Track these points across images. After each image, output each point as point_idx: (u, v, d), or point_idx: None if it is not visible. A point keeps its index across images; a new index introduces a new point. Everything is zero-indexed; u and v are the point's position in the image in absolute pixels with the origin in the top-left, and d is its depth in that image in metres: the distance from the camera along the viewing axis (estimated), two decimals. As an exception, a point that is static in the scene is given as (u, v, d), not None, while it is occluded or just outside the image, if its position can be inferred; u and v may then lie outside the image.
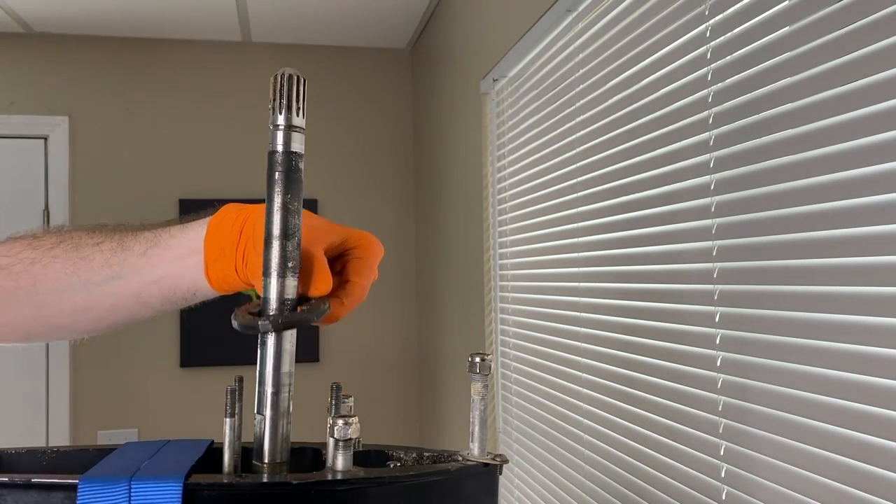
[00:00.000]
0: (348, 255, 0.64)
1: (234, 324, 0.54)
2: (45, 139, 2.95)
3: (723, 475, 0.97)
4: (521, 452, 1.78)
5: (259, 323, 0.52)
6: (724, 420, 0.97)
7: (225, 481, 0.50)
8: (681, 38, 1.06)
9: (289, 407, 0.54)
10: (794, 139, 0.83)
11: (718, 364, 0.98)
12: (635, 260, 1.22)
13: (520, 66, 1.78)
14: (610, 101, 1.29)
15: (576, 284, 1.46)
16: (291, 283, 0.53)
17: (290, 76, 0.52)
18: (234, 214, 0.64)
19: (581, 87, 1.42)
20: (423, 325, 3.08)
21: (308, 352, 3.01)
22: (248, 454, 0.55)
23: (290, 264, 0.53)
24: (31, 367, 2.83)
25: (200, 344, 2.95)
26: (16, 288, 0.68)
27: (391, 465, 0.59)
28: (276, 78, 0.53)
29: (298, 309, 0.55)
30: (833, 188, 0.78)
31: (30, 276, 0.68)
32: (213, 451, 0.57)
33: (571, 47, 1.47)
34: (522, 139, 1.76)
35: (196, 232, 0.65)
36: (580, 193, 1.42)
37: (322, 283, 0.58)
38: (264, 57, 3.14)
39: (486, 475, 0.55)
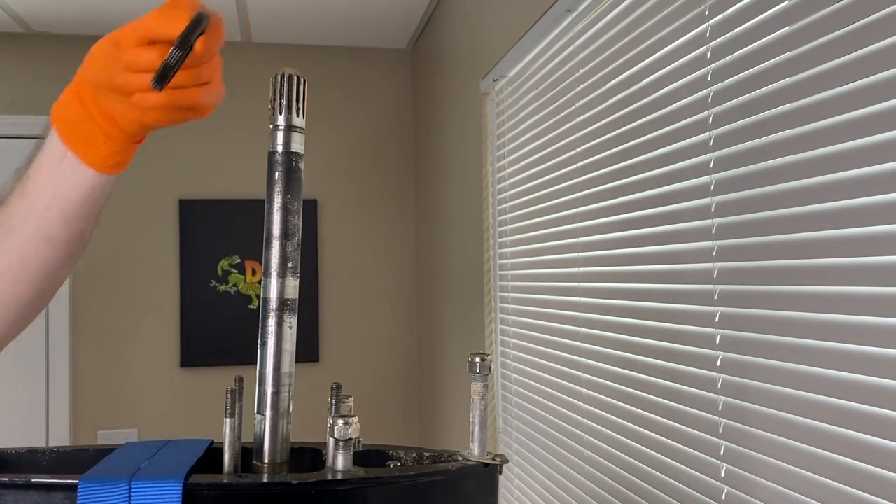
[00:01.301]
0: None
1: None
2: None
3: (723, 475, 0.97)
4: (521, 452, 1.78)
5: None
6: (724, 420, 0.97)
7: (225, 481, 0.50)
8: (681, 38, 1.06)
9: (289, 407, 0.54)
10: (793, 139, 0.83)
11: (718, 364, 0.98)
12: (635, 260, 1.22)
13: (520, 66, 1.78)
14: (610, 102, 1.29)
15: (576, 284, 1.46)
16: (291, 283, 0.53)
17: (290, 76, 0.53)
18: (64, 104, 0.64)
19: (581, 87, 1.42)
20: (423, 325, 3.08)
21: (308, 352, 3.01)
22: (248, 454, 0.56)
23: (290, 264, 0.53)
24: (31, 367, 2.83)
25: (200, 344, 2.95)
26: None
27: (391, 465, 0.59)
28: (276, 78, 0.53)
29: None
30: (833, 188, 0.78)
31: None
32: (213, 451, 0.57)
33: (571, 47, 1.47)
34: (522, 139, 1.76)
35: (49, 137, 0.64)
36: (580, 193, 1.42)
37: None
38: (264, 57, 3.14)
39: (486, 475, 0.55)
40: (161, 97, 0.58)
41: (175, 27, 0.56)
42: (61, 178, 0.64)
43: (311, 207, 3.06)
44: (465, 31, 2.33)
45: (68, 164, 0.63)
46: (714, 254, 0.99)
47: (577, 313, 1.45)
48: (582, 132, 1.41)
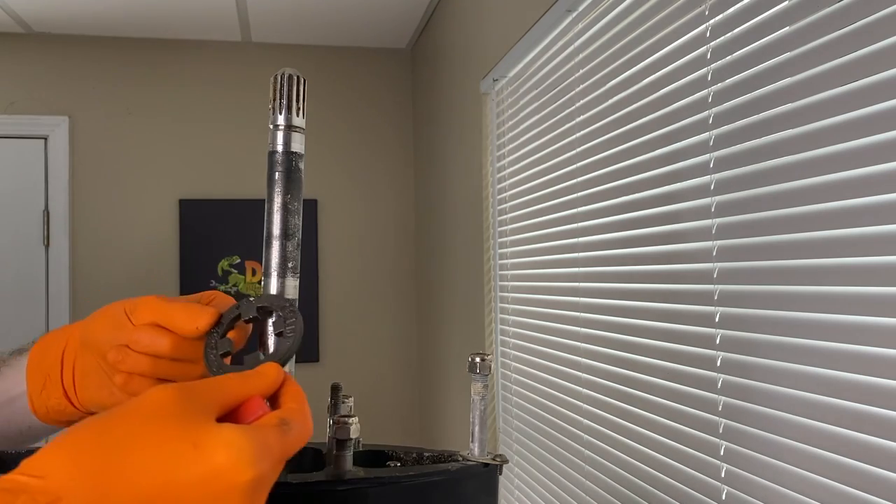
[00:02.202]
0: None
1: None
2: (45, 139, 2.94)
3: (723, 475, 0.97)
4: (521, 452, 1.78)
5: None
6: (724, 420, 0.97)
7: (225, 481, 0.50)
8: (681, 38, 1.06)
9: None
10: (794, 139, 0.83)
11: (718, 364, 0.98)
12: (635, 260, 1.22)
13: (520, 66, 1.78)
14: (610, 102, 1.29)
15: (576, 284, 1.46)
16: (291, 283, 0.53)
17: (290, 76, 0.52)
18: (52, 340, 0.58)
19: (581, 87, 1.42)
20: (423, 325, 3.08)
21: (308, 352, 3.01)
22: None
23: (290, 264, 0.53)
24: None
25: (200, 344, 2.95)
26: None
27: (391, 465, 0.59)
28: (275, 78, 0.53)
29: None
30: (833, 188, 0.78)
31: None
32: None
33: (571, 47, 1.47)
34: (522, 139, 1.75)
35: (19, 367, 0.59)
36: (580, 193, 1.42)
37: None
38: (264, 57, 3.14)
39: (486, 475, 0.55)
40: (150, 386, 0.53)
41: (199, 324, 0.51)
42: (14, 409, 0.59)
43: (311, 207, 3.06)
44: (465, 31, 2.33)
45: (23, 401, 0.59)
46: (714, 254, 0.98)
47: (578, 313, 1.45)
48: (582, 132, 1.41)
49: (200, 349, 0.51)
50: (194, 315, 0.51)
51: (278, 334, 0.49)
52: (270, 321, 0.51)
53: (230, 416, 0.42)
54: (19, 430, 0.60)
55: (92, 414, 0.57)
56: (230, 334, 0.51)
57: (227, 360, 0.50)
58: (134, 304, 0.55)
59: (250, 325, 0.52)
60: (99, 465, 0.36)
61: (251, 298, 0.51)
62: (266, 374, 0.45)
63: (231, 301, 0.55)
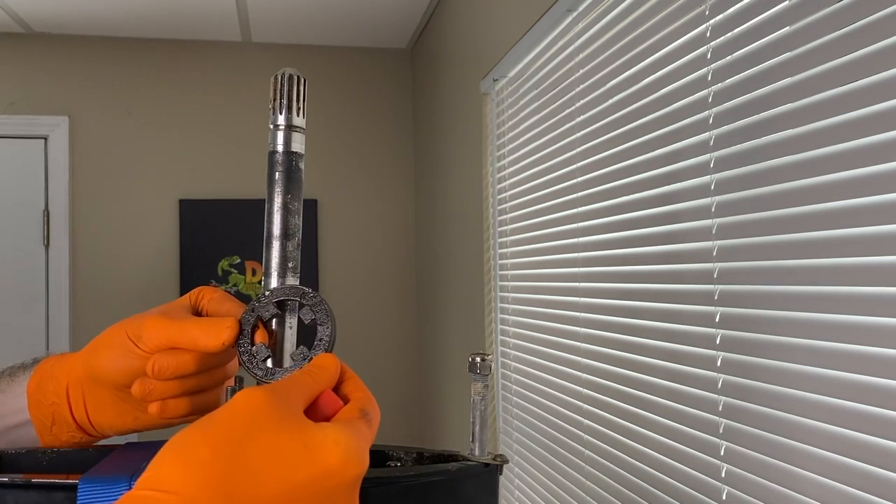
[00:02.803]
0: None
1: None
2: (45, 139, 2.95)
3: (723, 475, 0.97)
4: (521, 452, 1.78)
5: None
6: (724, 420, 0.97)
7: (225, 481, 0.50)
8: (681, 38, 1.06)
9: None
10: (794, 139, 0.83)
11: (719, 364, 0.98)
12: (635, 260, 1.22)
13: (520, 66, 1.78)
14: (610, 102, 1.29)
15: (576, 284, 1.46)
16: (291, 284, 0.53)
17: (290, 76, 0.52)
18: (49, 375, 0.56)
19: (581, 87, 1.42)
20: (423, 324, 3.08)
21: (308, 352, 3.01)
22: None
23: (290, 264, 0.53)
24: (31, 367, 2.83)
25: (200, 344, 2.95)
26: None
27: (391, 465, 0.59)
28: (276, 78, 0.53)
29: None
30: (833, 188, 0.78)
31: None
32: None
33: (571, 47, 1.47)
34: (522, 139, 1.75)
35: (16, 395, 0.57)
36: (580, 193, 1.42)
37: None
38: (264, 57, 3.14)
39: (487, 475, 0.55)
40: (187, 405, 0.53)
41: (223, 339, 0.50)
42: (18, 437, 0.58)
43: (311, 207, 3.06)
44: (465, 31, 2.33)
45: (27, 429, 0.57)
46: (714, 254, 0.98)
47: (578, 313, 1.45)
48: (582, 132, 1.41)
49: (221, 356, 0.51)
50: (214, 331, 0.50)
51: (311, 322, 0.49)
52: (295, 314, 0.51)
53: (310, 412, 0.42)
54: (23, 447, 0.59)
55: (108, 436, 0.58)
56: (259, 338, 0.51)
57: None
58: (138, 329, 0.53)
59: (273, 322, 0.52)
60: (222, 474, 0.36)
61: (264, 294, 0.51)
62: (328, 367, 0.46)
63: (217, 291, 0.55)
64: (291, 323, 0.51)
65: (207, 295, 0.56)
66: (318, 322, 0.49)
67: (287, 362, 0.50)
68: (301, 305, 0.51)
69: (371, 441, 0.42)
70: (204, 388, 0.53)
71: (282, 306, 0.51)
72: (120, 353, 0.53)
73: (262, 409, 0.39)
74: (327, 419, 0.43)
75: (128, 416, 0.56)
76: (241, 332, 0.50)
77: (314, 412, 0.43)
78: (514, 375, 1.84)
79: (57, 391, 0.56)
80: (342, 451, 0.38)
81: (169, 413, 0.53)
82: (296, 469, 0.37)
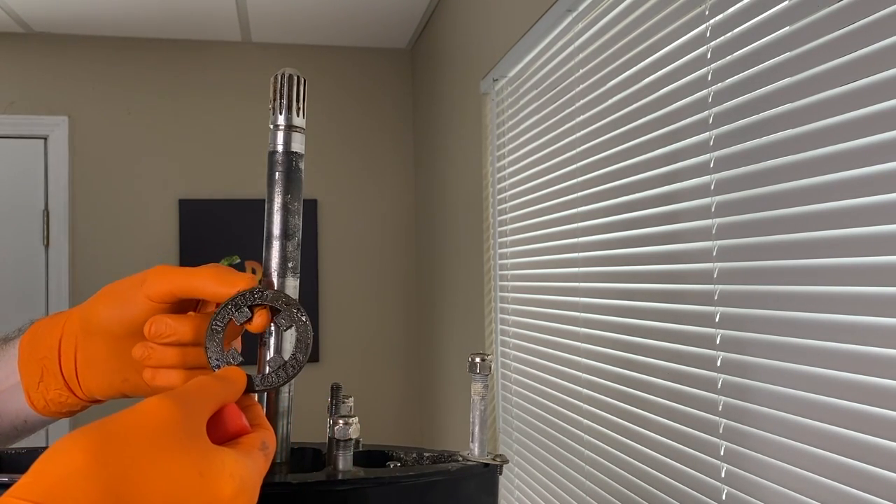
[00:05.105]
0: None
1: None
2: (45, 139, 2.95)
3: (723, 475, 0.97)
4: (521, 452, 1.78)
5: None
6: (724, 420, 0.97)
7: (225, 481, 0.50)
8: (681, 38, 1.06)
9: (289, 407, 0.54)
10: (793, 139, 0.83)
11: (719, 364, 0.98)
12: (635, 260, 1.22)
13: (520, 66, 1.78)
14: (610, 102, 1.29)
15: (576, 284, 1.46)
16: (291, 284, 0.53)
17: (290, 76, 0.52)
18: (44, 328, 0.55)
19: (581, 87, 1.42)
20: (423, 324, 3.08)
21: (308, 352, 3.01)
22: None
23: (290, 264, 0.53)
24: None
25: (200, 344, 2.95)
26: None
27: (391, 465, 0.59)
28: (276, 78, 0.53)
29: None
30: (833, 188, 0.78)
31: None
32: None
33: (571, 47, 1.47)
34: (522, 139, 1.75)
35: (7, 359, 0.56)
36: (580, 193, 1.42)
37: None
38: (264, 57, 3.14)
39: (486, 475, 0.55)
40: (179, 378, 0.51)
41: (234, 286, 0.49)
42: (5, 400, 0.57)
43: (311, 207, 3.06)
44: (465, 31, 2.33)
45: (17, 392, 0.56)
46: (714, 254, 0.98)
47: (578, 313, 1.45)
48: (582, 132, 1.41)
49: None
50: (231, 277, 0.50)
51: (286, 329, 0.51)
52: (272, 322, 0.51)
53: (212, 424, 0.42)
54: (13, 425, 0.58)
55: (96, 401, 0.57)
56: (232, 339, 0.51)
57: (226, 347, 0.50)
58: (143, 275, 0.52)
59: (266, 310, 0.51)
60: (102, 489, 0.34)
61: (243, 295, 0.51)
62: (236, 381, 0.46)
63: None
64: (277, 329, 0.51)
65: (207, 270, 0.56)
66: (296, 330, 0.50)
67: (266, 369, 0.51)
68: (276, 311, 0.51)
69: (264, 473, 0.42)
70: (203, 365, 0.53)
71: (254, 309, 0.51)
72: (120, 301, 0.52)
73: (167, 425, 0.38)
74: (227, 434, 0.43)
75: (117, 375, 0.55)
76: (213, 329, 0.50)
77: (216, 424, 0.42)
78: (514, 375, 1.84)
79: (49, 345, 0.55)
80: (236, 484, 0.38)
81: (159, 381, 0.52)
82: (188, 497, 0.36)
